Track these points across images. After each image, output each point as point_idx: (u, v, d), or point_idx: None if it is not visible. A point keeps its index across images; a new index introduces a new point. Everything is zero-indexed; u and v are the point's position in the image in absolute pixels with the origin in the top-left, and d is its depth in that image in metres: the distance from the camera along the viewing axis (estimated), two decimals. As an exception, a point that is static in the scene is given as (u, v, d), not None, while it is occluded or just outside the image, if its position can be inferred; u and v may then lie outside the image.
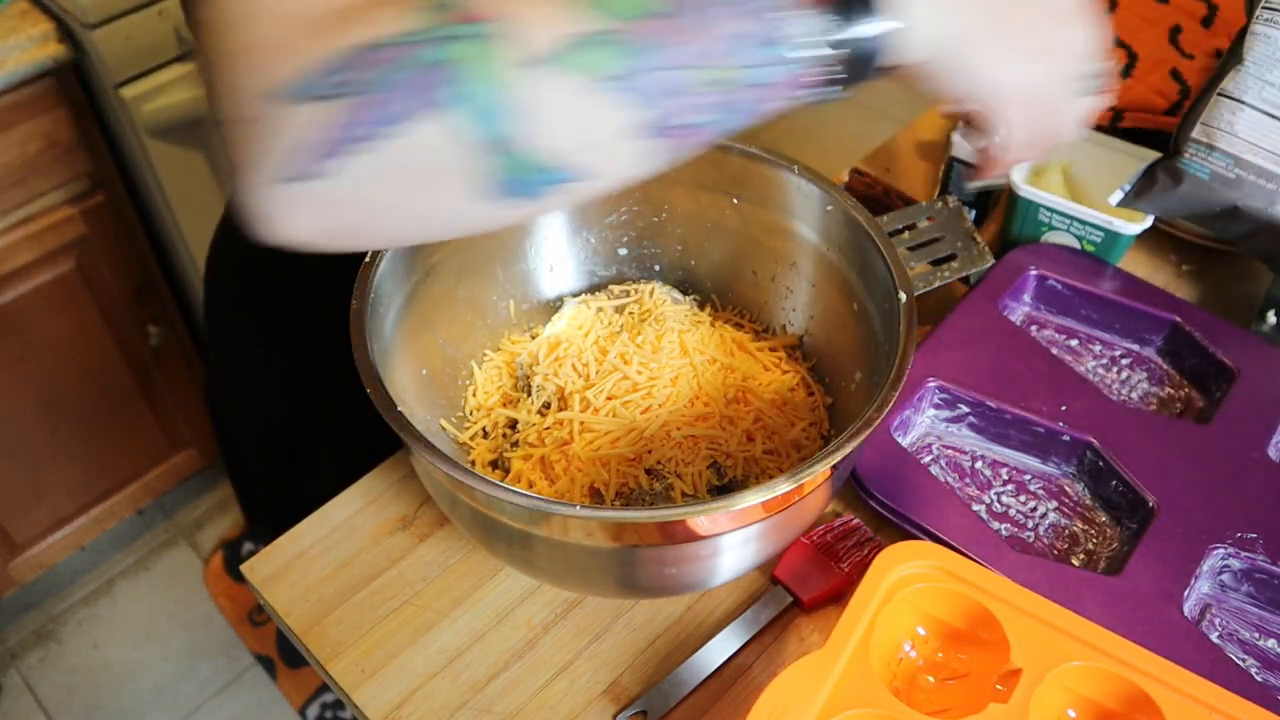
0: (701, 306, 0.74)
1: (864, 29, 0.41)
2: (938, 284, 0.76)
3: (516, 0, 0.38)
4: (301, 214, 0.39)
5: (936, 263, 0.77)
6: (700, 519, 0.49)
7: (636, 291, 0.73)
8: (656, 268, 0.75)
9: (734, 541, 0.53)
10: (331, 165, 0.38)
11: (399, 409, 0.52)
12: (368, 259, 0.58)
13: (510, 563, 0.60)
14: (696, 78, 0.39)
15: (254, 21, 0.38)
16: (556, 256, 0.73)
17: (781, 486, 0.49)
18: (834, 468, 0.51)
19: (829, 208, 0.65)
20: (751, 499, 0.49)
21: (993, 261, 0.78)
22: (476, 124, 0.37)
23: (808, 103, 0.42)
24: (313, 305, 0.66)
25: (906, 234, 0.78)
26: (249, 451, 0.91)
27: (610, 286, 0.74)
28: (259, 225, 0.40)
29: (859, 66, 0.42)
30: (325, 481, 0.71)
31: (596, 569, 0.55)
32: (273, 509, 0.92)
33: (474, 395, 0.69)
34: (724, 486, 0.64)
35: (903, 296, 0.58)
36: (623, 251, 0.74)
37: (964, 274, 0.76)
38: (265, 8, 0.38)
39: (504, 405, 0.68)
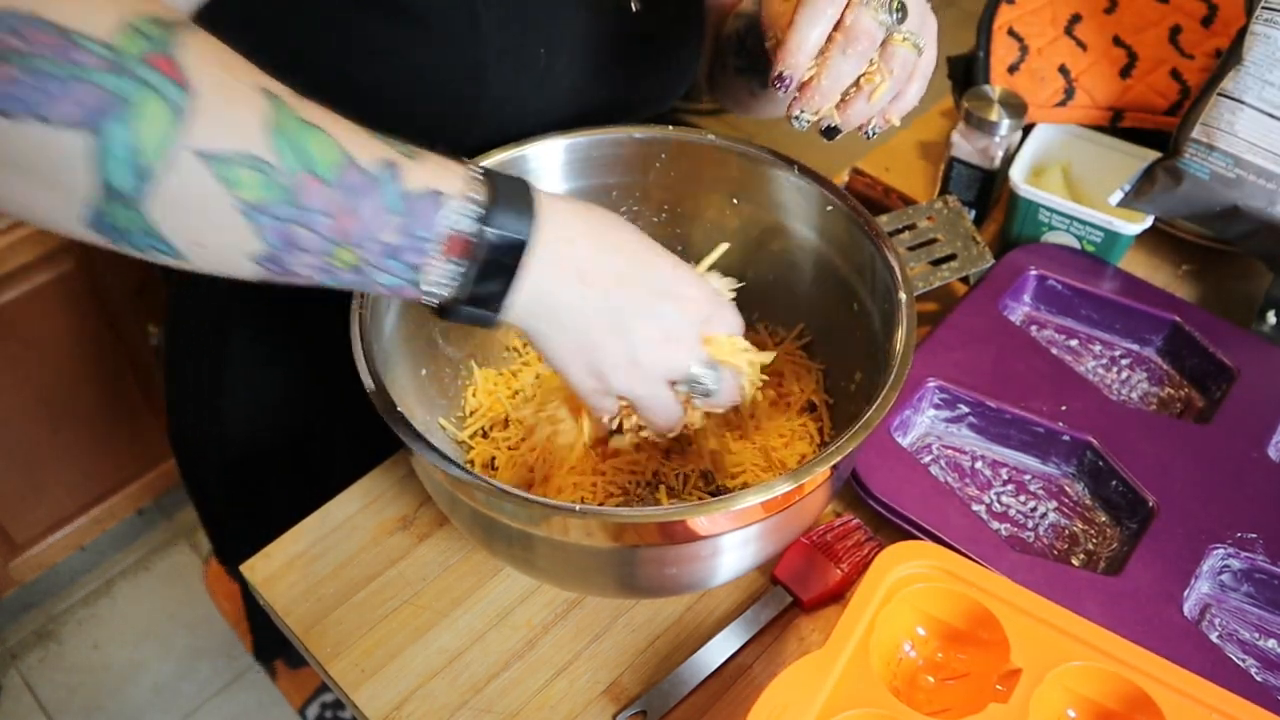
0: None
1: (481, 302, 0.46)
2: (937, 284, 0.76)
3: (219, 70, 0.39)
4: None
5: (936, 263, 0.77)
6: (700, 519, 0.49)
7: None
8: None
9: (734, 542, 0.53)
10: None
11: (399, 409, 0.52)
12: None
13: (510, 563, 0.60)
14: (325, 246, 0.42)
15: None
16: None
17: (781, 487, 0.49)
18: (834, 468, 0.51)
19: (829, 208, 0.65)
20: (751, 499, 0.49)
21: (993, 261, 0.78)
22: (117, 169, 0.37)
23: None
24: (308, 308, 0.66)
25: (906, 234, 0.78)
26: (216, 470, 0.88)
27: None
28: None
29: (466, 315, 0.47)
30: (298, 499, 0.70)
31: (596, 569, 0.55)
32: (242, 528, 0.90)
33: (474, 395, 0.69)
34: (713, 491, 0.64)
35: (902, 296, 0.58)
36: None
37: (964, 274, 0.76)
38: None
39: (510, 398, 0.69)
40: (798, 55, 0.50)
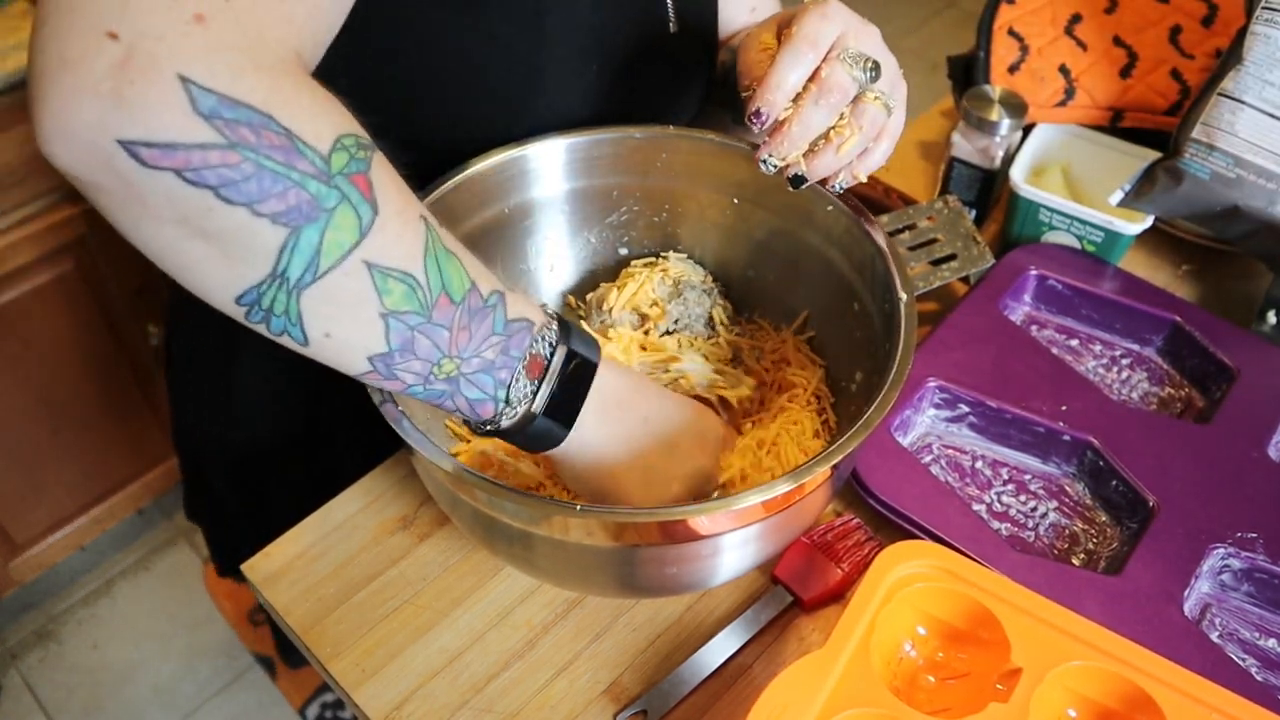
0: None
1: (547, 421, 0.52)
2: (938, 284, 0.76)
3: (398, 195, 0.44)
4: (94, 164, 0.38)
5: (936, 262, 0.77)
6: (701, 519, 0.49)
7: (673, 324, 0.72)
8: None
9: (734, 541, 0.53)
10: (161, 170, 0.38)
11: (400, 407, 0.52)
12: None
13: (511, 562, 0.60)
14: (434, 355, 0.47)
15: None
16: (557, 256, 0.73)
17: (781, 487, 0.49)
18: (834, 468, 0.51)
19: (829, 208, 0.65)
20: (752, 499, 0.49)
21: (993, 261, 0.78)
22: (298, 262, 0.41)
23: (470, 427, 0.53)
24: None
25: (907, 234, 0.78)
26: (219, 470, 0.88)
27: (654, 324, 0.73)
28: (47, 129, 0.38)
29: (525, 435, 0.52)
30: (300, 499, 0.71)
31: (597, 568, 0.55)
32: (243, 528, 0.90)
33: None
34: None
35: (903, 297, 0.58)
36: (623, 251, 0.74)
37: (964, 274, 0.76)
38: None
39: None
40: (775, 94, 0.52)
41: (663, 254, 0.74)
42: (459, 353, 0.48)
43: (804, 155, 0.54)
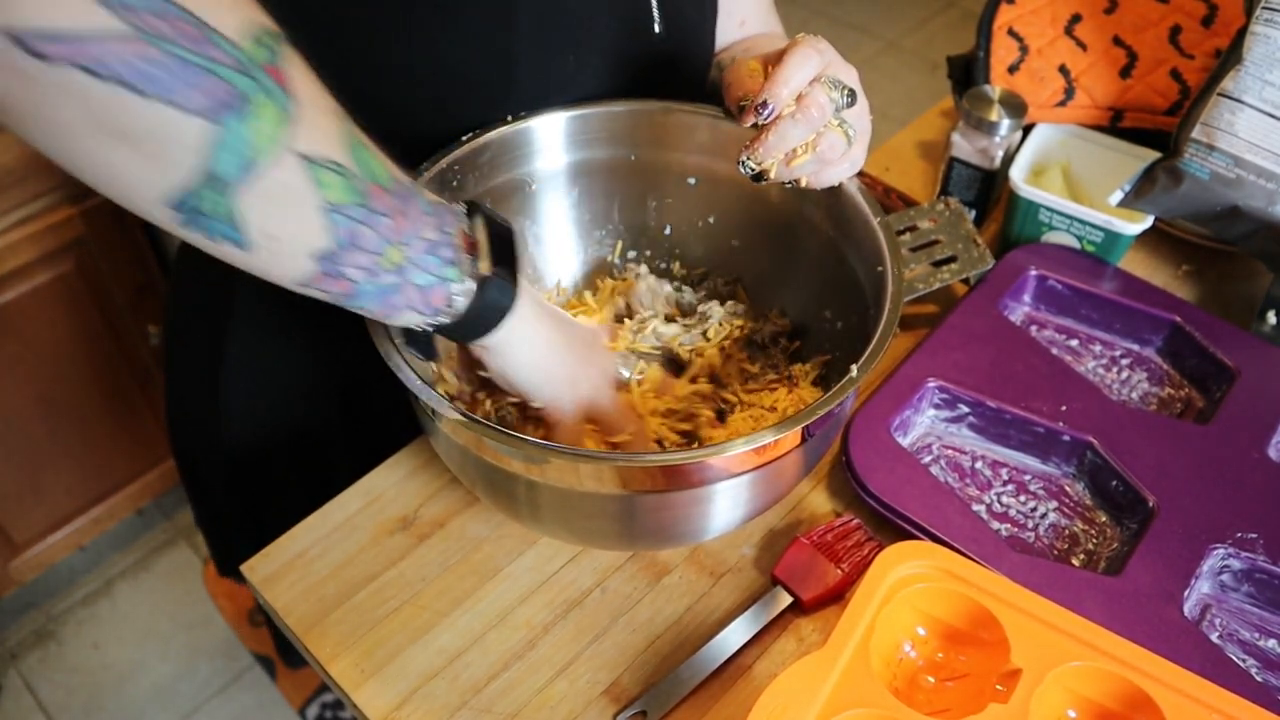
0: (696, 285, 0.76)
1: (499, 283, 0.53)
2: (938, 285, 0.76)
3: (312, 87, 0.43)
4: None
5: (937, 264, 0.77)
6: (706, 461, 0.52)
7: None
8: (646, 251, 0.76)
9: (727, 489, 0.55)
10: (61, 64, 0.36)
11: (413, 369, 0.53)
12: None
13: (513, 514, 0.61)
14: (381, 244, 0.47)
15: None
16: (560, 242, 0.75)
17: (765, 437, 0.51)
18: (819, 420, 0.53)
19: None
20: (740, 448, 0.51)
21: (993, 263, 0.78)
22: (227, 158, 0.40)
23: (410, 325, 0.52)
24: (310, 304, 0.66)
25: (908, 235, 0.78)
26: (216, 470, 0.88)
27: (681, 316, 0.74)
28: None
29: (465, 322, 0.53)
30: (298, 500, 0.71)
31: (600, 514, 0.57)
32: (242, 529, 0.90)
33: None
34: None
35: (888, 263, 0.60)
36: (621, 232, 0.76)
37: (964, 275, 0.76)
38: None
39: None
40: (783, 89, 0.56)
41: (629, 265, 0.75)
42: (401, 238, 0.48)
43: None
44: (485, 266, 0.52)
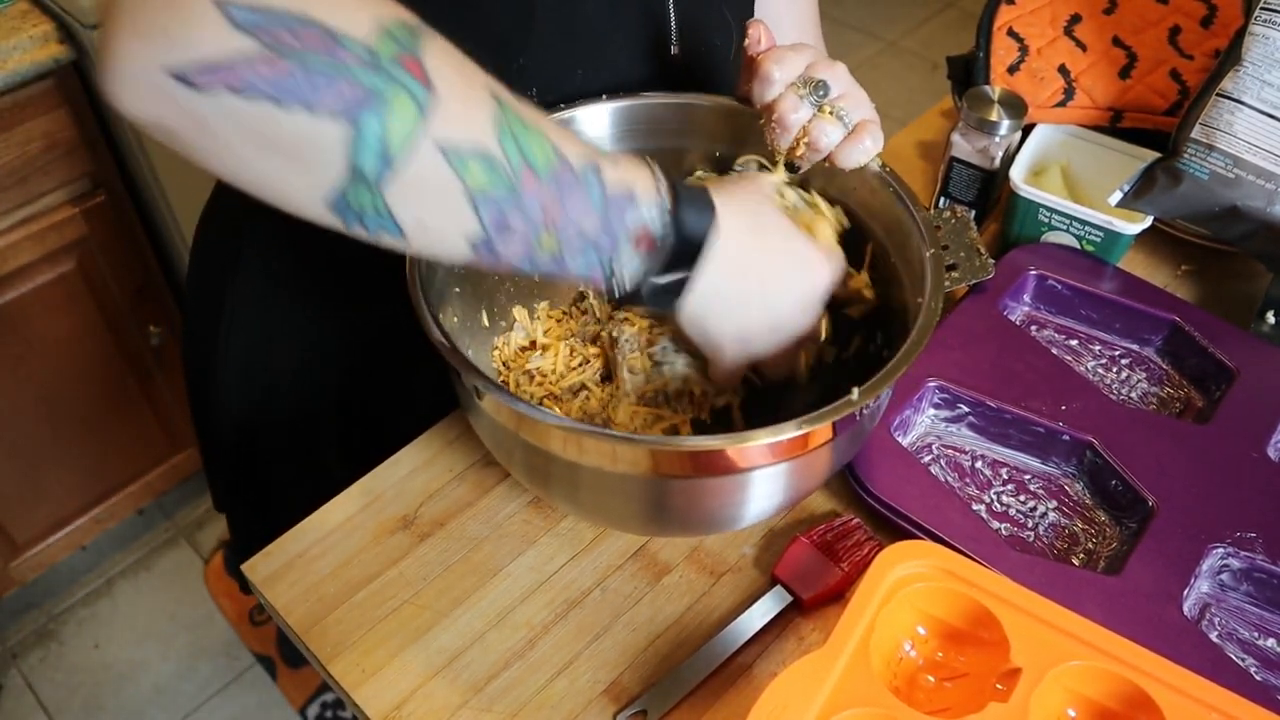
0: None
1: (664, 287, 0.53)
2: (938, 290, 0.75)
3: (455, 74, 0.44)
4: (156, 103, 0.40)
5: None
6: (742, 446, 0.51)
7: None
8: None
9: (763, 477, 0.55)
10: (214, 91, 0.39)
11: (455, 345, 0.54)
12: None
13: (545, 492, 0.62)
14: (531, 232, 0.47)
15: None
16: None
17: (790, 431, 0.51)
18: (859, 413, 0.53)
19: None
20: (793, 431, 0.50)
21: (993, 273, 0.78)
22: (368, 155, 0.42)
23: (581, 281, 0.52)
24: (345, 263, 0.67)
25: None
26: (228, 423, 0.89)
27: None
28: (110, 82, 0.40)
29: (644, 298, 0.53)
30: (305, 483, 0.71)
31: (634, 496, 0.57)
32: (246, 491, 0.91)
33: (506, 347, 0.70)
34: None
35: (929, 253, 0.60)
36: None
37: (964, 283, 0.76)
38: None
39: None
40: (766, 95, 0.59)
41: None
42: (555, 227, 0.48)
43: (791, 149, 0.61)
44: (647, 278, 0.52)
